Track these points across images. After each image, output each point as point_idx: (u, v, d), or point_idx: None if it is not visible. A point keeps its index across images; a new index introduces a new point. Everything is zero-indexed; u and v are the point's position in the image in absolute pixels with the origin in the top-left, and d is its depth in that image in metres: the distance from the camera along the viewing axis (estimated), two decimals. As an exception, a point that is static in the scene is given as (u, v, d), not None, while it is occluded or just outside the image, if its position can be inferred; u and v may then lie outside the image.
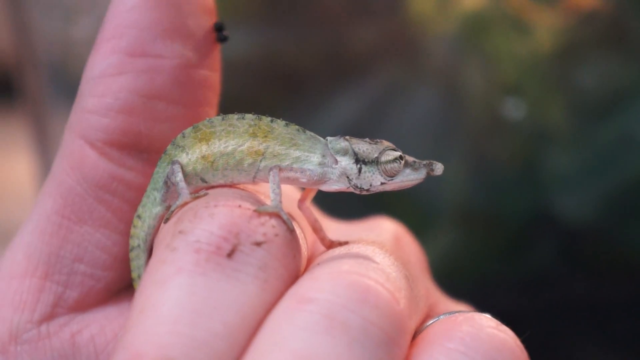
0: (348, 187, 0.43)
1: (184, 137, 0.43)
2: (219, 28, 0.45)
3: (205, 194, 0.41)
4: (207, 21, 0.45)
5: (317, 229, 0.44)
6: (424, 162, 0.43)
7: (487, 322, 0.40)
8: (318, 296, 0.37)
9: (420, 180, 0.43)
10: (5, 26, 0.86)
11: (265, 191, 0.44)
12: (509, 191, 0.76)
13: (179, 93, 0.44)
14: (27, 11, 0.78)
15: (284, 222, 0.40)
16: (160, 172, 0.43)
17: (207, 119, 0.43)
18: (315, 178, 0.43)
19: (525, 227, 0.76)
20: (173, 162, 0.42)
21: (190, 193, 0.42)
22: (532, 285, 0.77)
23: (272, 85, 0.75)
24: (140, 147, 0.44)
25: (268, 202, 0.41)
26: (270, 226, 0.39)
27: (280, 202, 0.40)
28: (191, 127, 0.43)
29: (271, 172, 0.41)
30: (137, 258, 0.44)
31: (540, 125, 0.75)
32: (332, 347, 0.36)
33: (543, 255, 0.76)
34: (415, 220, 0.74)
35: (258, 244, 0.38)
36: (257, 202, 0.41)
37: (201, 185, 0.43)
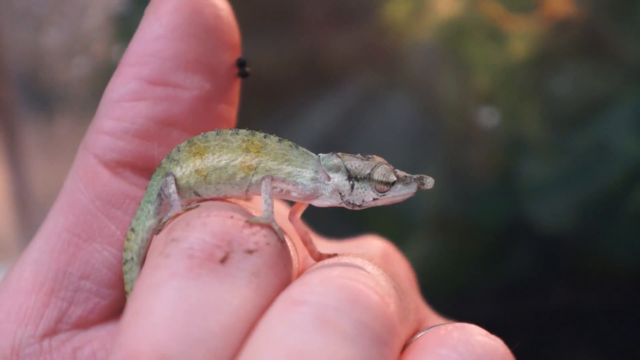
0: (340, 203, 0.43)
1: (178, 151, 0.43)
2: (241, 64, 0.46)
3: (197, 206, 0.42)
4: (231, 57, 0.46)
5: (306, 242, 0.45)
6: (415, 176, 0.43)
7: (477, 330, 0.40)
8: (310, 298, 0.37)
9: (411, 195, 0.43)
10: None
11: (257, 206, 0.44)
12: (485, 200, 0.76)
13: (195, 123, 0.44)
14: (-3, 21, 0.77)
15: (275, 232, 0.40)
16: (155, 185, 0.43)
17: (202, 133, 0.43)
18: (306, 193, 0.43)
19: (502, 235, 0.76)
20: (167, 174, 0.43)
21: (183, 205, 0.42)
22: (509, 294, 0.77)
23: (249, 93, 0.75)
24: (153, 169, 0.44)
25: (260, 215, 0.41)
26: (261, 235, 0.40)
27: (272, 212, 0.41)
28: (186, 141, 0.43)
29: (264, 182, 0.42)
30: (130, 271, 0.44)
31: (515, 133, 0.76)
32: (325, 344, 0.36)
33: (520, 264, 0.77)
34: (392, 230, 0.74)
35: (250, 252, 0.39)
36: (248, 214, 0.41)
37: (194, 198, 0.43)
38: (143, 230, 0.44)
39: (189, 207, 0.42)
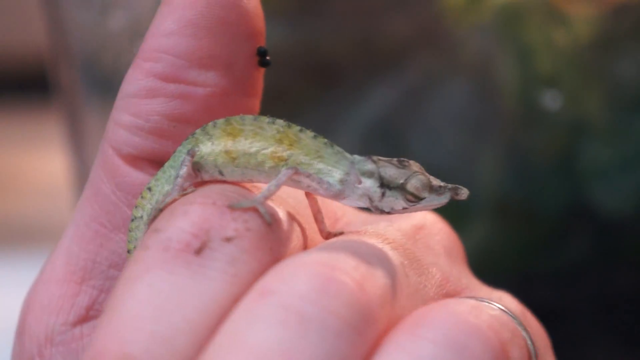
0: (369, 207, 0.42)
1: (214, 126, 0.43)
2: (262, 53, 0.45)
3: (193, 191, 0.41)
4: (251, 46, 0.44)
5: (317, 220, 0.44)
6: (450, 186, 0.42)
7: (461, 307, 0.38)
8: (278, 288, 0.37)
9: (442, 205, 0.42)
10: (40, 20, 0.87)
11: (281, 194, 0.43)
12: (546, 184, 0.75)
13: (210, 118, 0.43)
14: (62, 5, 0.78)
15: (261, 215, 0.39)
16: (183, 151, 0.43)
17: (240, 115, 0.42)
18: (331, 192, 0.42)
19: (563, 220, 0.76)
20: (189, 153, 0.42)
21: (207, 181, 0.42)
22: (570, 279, 0.76)
23: (306, 77, 0.75)
24: None
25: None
26: (242, 221, 0.39)
27: (266, 198, 0.40)
28: (224, 119, 0.42)
29: (283, 171, 0.41)
30: (136, 229, 0.43)
31: (577, 116, 0.75)
32: (286, 339, 0.35)
33: (581, 248, 0.76)
34: (450, 213, 0.73)
35: (228, 239, 0.38)
36: (244, 198, 0.40)
37: (218, 177, 0.43)
38: (160, 192, 0.43)
39: (185, 192, 0.41)
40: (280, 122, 0.42)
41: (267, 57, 0.45)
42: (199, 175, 0.43)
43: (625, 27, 0.74)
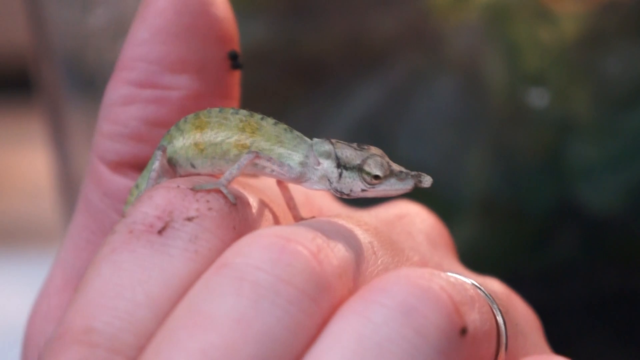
0: (328, 189, 0.44)
1: (185, 121, 0.44)
2: (233, 57, 0.46)
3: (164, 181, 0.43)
4: (221, 50, 0.46)
5: (290, 207, 0.46)
6: (413, 172, 0.43)
7: (414, 272, 0.39)
8: (234, 260, 0.38)
9: (406, 191, 0.43)
10: (21, 18, 0.86)
11: (257, 182, 0.45)
12: (533, 182, 0.75)
13: None
14: (43, 2, 0.77)
15: (224, 196, 0.41)
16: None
17: (208, 109, 0.44)
18: (292, 175, 0.44)
19: (549, 218, 0.76)
20: (158, 148, 0.44)
21: (180, 176, 0.44)
22: (557, 277, 0.76)
23: (293, 76, 0.75)
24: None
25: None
26: (204, 201, 0.40)
27: (229, 181, 0.42)
28: (194, 114, 0.44)
29: (244, 155, 0.43)
30: None
31: (564, 114, 0.75)
32: (240, 307, 0.37)
33: (568, 247, 0.76)
34: (437, 211, 0.73)
35: (190, 219, 0.40)
36: (208, 182, 0.42)
37: (191, 170, 0.44)
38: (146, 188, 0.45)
39: (158, 184, 0.43)
40: (243, 112, 0.44)
41: (239, 61, 0.46)
42: (176, 171, 0.45)
43: (613, 25, 0.74)
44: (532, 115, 0.75)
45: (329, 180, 0.43)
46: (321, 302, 0.38)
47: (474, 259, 0.74)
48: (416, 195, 0.72)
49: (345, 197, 0.43)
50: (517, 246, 0.76)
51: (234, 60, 0.46)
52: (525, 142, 0.75)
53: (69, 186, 0.81)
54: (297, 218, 0.45)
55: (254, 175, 0.45)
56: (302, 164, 0.43)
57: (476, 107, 0.75)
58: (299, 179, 0.44)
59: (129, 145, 0.46)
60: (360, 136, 0.74)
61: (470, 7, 0.73)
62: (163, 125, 0.46)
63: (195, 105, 0.46)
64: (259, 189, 0.45)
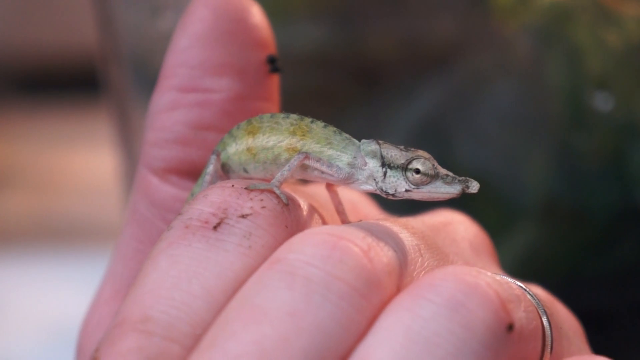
0: (375, 190, 0.45)
1: (238, 128, 0.46)
2: (271, 60, 0.48)
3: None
4: (259, 55, 0.48)
5: (339, 212, 0.47)
6: (460, 177, 0.44)
7: (462, 270, 0.39)
8: (287, 256, 0.39)
9: (453, 196, 0.44)
10: (90, 20, 0.87)
11: (307, 189, 0.47)
12: (595, 185, 0.75)
13: (229, 123, 0.47)
14: (112, 5, 0.78)
15: (277, 196, 0.42)
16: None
17: (259, 115, 0.46)
18: (340, 176, 0.45)
19: (613, 222, 0.75)
20: (213, 152, 0.46)
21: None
22: (619, 282, 0.75)
23: (353, 78, 0.75)
24: (197, 172, 0.48)
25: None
26: (258, 200, 0.42)
27: (281, 182, 0.43)
28: (246, 120, 0.46)
29: (295, 156, 0.44)
30: None
31: (628, 118, 0.74)
32: (292, 301, 0.38)
33: (631, 251, 0.75)
34: (497, 216, 0.73)
35: (244, 216, 0.41)
36: (261, 183, 0.43)
37: (243, 175, 0.46)
38: None
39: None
40: (293, 116, 0.45)
41: (277, 64, 0.48)
42: (228, 177, 0.46)
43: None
44: (595, 119, 0.74)
45: (374, 180, 0.44)
46: (371, 298, 0.39)
47: (534, 263, 0.74)
48: (478, 198, 0.71)
49: (390, 197, 0.44)
50: (579, 250, 0.75)
51: (272, 64, 0.48)
52: (589, 145, 0.75)
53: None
54: (345, 222, 0.46)
55: (304, 182, 0.47)
56: (351, 165, 0.44)
57: (538, 111, 0.74)
58: (347, 180, 0.45)
59: (175, 150, 0.47)
60: (421, 139, 0.73)
61: (532, 9, 0.73)
62: (207, 129, 0.47)
63: (237, 108, 0.47)
64: (309, 194, 0.46)
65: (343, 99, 0.66)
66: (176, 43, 0.47)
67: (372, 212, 0.50)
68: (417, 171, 0.43)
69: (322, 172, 0.44)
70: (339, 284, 0.38)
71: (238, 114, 0.47)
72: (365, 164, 0.44)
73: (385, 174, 0.44)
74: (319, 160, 0.44)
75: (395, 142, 0.45)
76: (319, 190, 0.47)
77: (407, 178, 0.44)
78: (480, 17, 0.74)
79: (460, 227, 0.49)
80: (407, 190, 0.44)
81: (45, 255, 1.22)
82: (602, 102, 0.74)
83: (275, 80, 0.49)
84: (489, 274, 0.40)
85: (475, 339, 0.38)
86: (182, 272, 0.39)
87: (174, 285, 0.39)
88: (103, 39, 0.82)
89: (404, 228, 0.43)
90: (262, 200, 0.42)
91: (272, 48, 0.48)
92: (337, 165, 0.44)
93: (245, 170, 0.45)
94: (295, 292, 0.38)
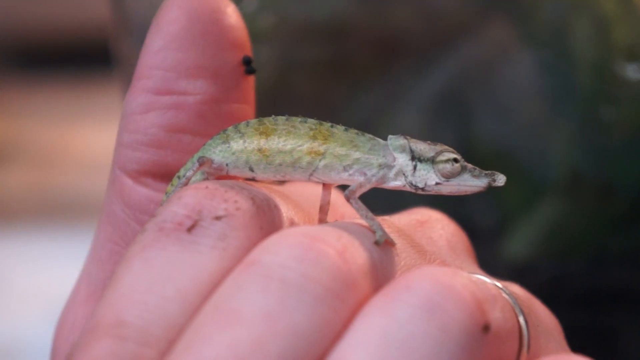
0: (404, 185, 0.45)
1: (247, 125, 0.45)
2: (247, 62, 0.48)
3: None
4: (235, 56, 0.48)
5: (323, 210, 0.47)
6: (486, 171, 0.44)
7: (438, 271, 0.40)
8: (261, 258, 0.39)
9: (480, 189, 0.44)
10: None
11: (280, 188, 0.47)
12: (623, 159, 0.74)
13: (204, 126, 0.47)
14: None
15: (251, 197, 0.42)
16: (213, 145, 0.46)
17: (273, 116, 0.45)
18: (374, 180, 0.45)
19: (640, 197, 0.74)
20: (200, 159, 0.45)
21: (229, 177, 0.45)
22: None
23: (372, 49, 0.74)
24: (171, 175, 0.47)
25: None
26: (232, 202, 0.42)
27: (380, 224, 0.42)
28: (257, 119, 0.45)
29: (352, 200, 0.44)
30: None
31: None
32: (268, 304, 0.38)
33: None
34: (521, 192, 0.72)
35: (218, 217, 0.41)
36: (242, 188, 0.43)
37: (247, 173, 0.45)
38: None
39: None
40: (312, 120, 0.45)
41: (252, 66, 0.48)
42: (226, 170, 0.46)
43: None
44: (624, 90, 0.73)
45: (404, 174, 0.45)
46: (347, 300, 0.39)
47: (561, 238, 0.73)
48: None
49: (420, 192, 0.45)
50: (607, 226, 0.75)
51: (248, 65, 0.48)
52: (616, 117, 0.74)
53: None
54: (323, 221, 0.46)
55: (280, 182, 0.47)
56: (382, 165, 0.45)
57: (564, 82, 0.74)
58: (382, 181, 0.45)
59: (149, 152, 0.47)
60: (440, 111, 0.73)
61: (557, -24, 0.72)
62: (182, 131, 0.47)
63: (212, 110, 0.47)
64: (285, 194, 0.46)
65: (359, 70, 0.65)
66: (150, 44, 0.47)
67: (348, 211, 0.50)
68: (455, 160, 0.44)
69: (361, 186, 0.45)
70: (314, 286, 0.38)
71: (213, 116, 0.47)
72: (394, 159, 0.45)
73: (415, 167, 0.44)
74: (361, 187, 0.44)
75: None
76: (294, 190, 0.48)
77: (436, 171, 0.44)
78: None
79: (438, 225, 0.50)
80: (437, 184, 0.44)
81: (48, 231, 1.24)
82: (631, 72, 0.73)
83: (251, 82, 0.49)
84: (464, 274, 0.40)
85: (451, 340, 0.38)
86: (156, 276, 0.39)
87: (148, 289, 0.39)
88: (115, 12, 0.82)
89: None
90: (236, 201, 0.42)
91: (247, 49, 0.48)
92: (372, 174, 0.45)
93: (251, 170, 0.45)
94: (270, 294, 0.38)
